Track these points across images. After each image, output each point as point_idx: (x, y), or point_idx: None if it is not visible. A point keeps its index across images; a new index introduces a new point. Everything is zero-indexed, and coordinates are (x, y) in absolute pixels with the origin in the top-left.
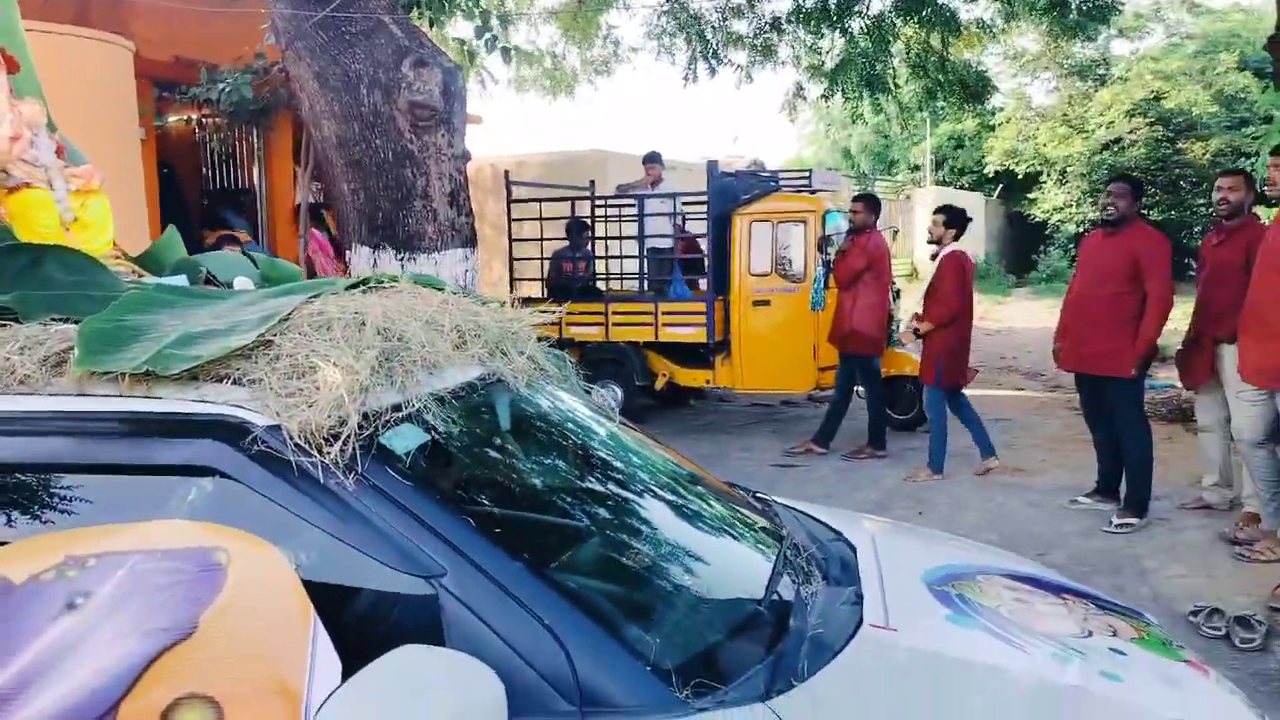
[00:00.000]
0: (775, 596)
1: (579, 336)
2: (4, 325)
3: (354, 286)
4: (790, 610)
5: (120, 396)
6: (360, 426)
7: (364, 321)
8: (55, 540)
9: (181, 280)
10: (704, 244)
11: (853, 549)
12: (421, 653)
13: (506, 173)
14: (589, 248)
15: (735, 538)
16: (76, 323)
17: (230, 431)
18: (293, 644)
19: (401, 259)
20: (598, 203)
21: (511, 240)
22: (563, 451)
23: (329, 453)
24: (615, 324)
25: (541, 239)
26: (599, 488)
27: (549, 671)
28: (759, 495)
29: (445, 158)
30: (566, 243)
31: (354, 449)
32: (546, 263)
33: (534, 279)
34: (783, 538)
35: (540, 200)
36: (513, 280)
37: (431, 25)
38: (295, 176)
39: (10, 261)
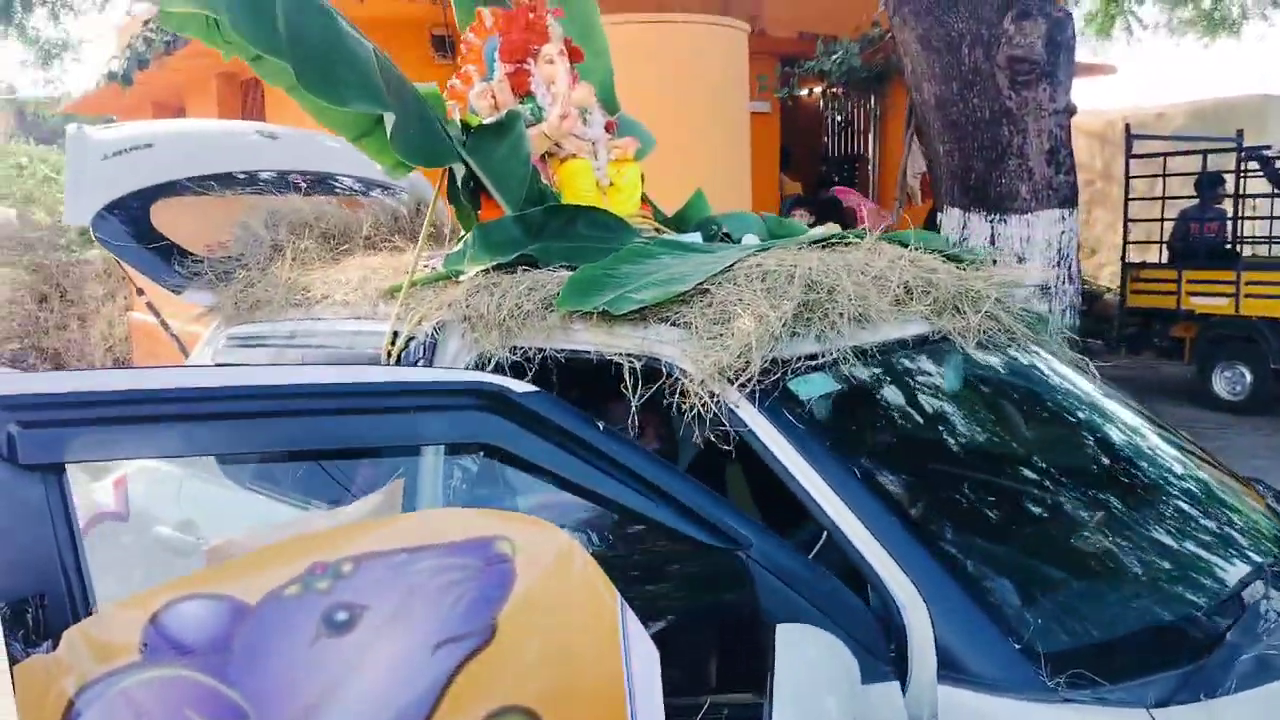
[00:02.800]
0: (1229, 605)
1: (1200, 308)
2: (525, 270)
3: (818, 243)
4: (1243, 623)
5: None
6: (768, 371)
7: (793, 275)
8: (292, 547)
9: (695, 237)
10: None
11: None
12: (804, 632)
13: (1127, 126)
14: (1222, 206)
15: (1210, 534)
16: None
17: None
18: (603, 637)
19: (991, 220)
20: (1244, 155)
21: (1128, 199)
22: (1006, 413)
23: (731, 390)
24: (1248, 295)
25: (1164, 197)
26: (1037, 456)
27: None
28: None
29: (1045, 113)
30: (1196, 201)
31: (753, 389)
32: (1167, 224)
33: (1153, 241)
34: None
35: (1165, 155)
36: (1126, 242)
37: None
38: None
39: (551, 220)
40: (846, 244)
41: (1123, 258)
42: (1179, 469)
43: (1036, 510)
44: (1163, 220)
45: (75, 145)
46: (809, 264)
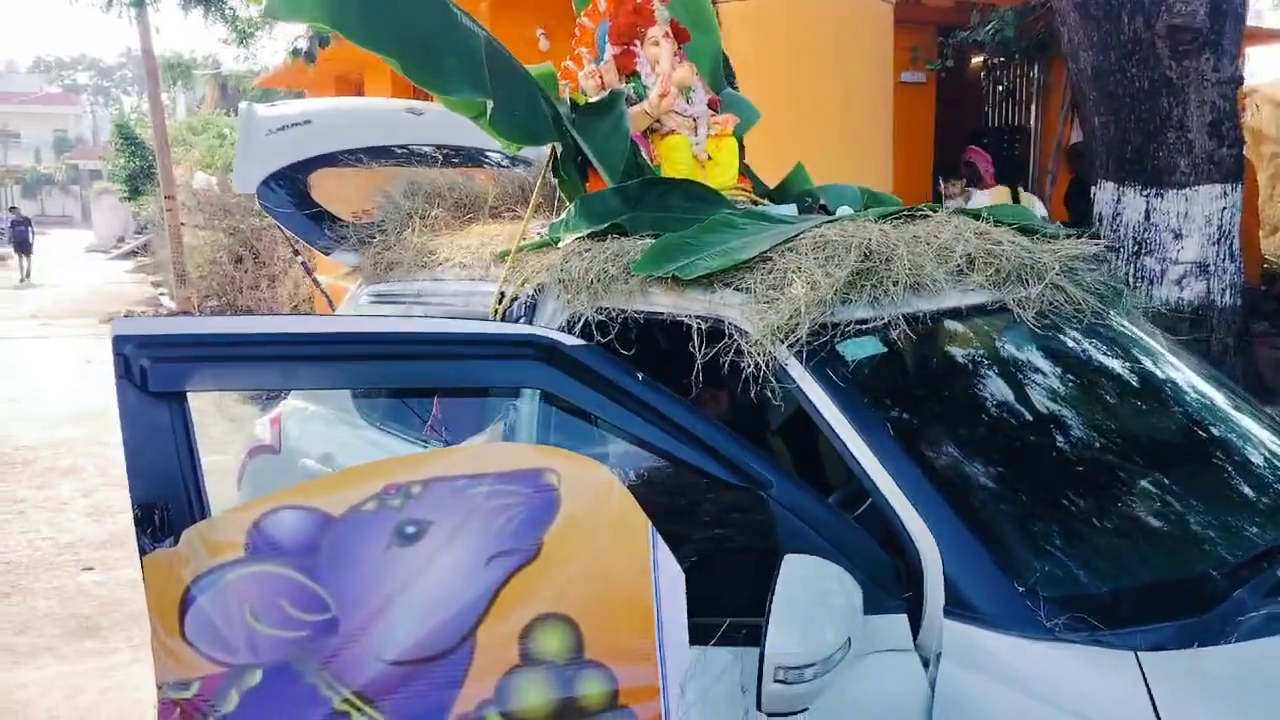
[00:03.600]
0: (1248, 566)
1: None
2: (615, 239)
3: (889, 216)
4: (1256, 583)
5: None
6: (819, 332)
7: (851, 245)
8: (370, 470)
9: (790, 209)
10: None
11: None
12: (811, 563)
13: None
14: None
15: (1246, 500)
16: None
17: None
18: (635, 558)
19: (1147, 194)
20: None
21: None
22: (1049, 379)
23: (781, 349)
24: None
25: None
26: (1074, 419)
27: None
28: None
29: (1209, 84)
30: None
31: (801, 348)
32: None
33: None
34: None
35: None
36: None
37: None
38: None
39: (647, 191)
40: (923, 217)
41: None
42: (1231, 435)
43: (1062, 467)
44: None
45: (245, 121)
46: (869, 234)
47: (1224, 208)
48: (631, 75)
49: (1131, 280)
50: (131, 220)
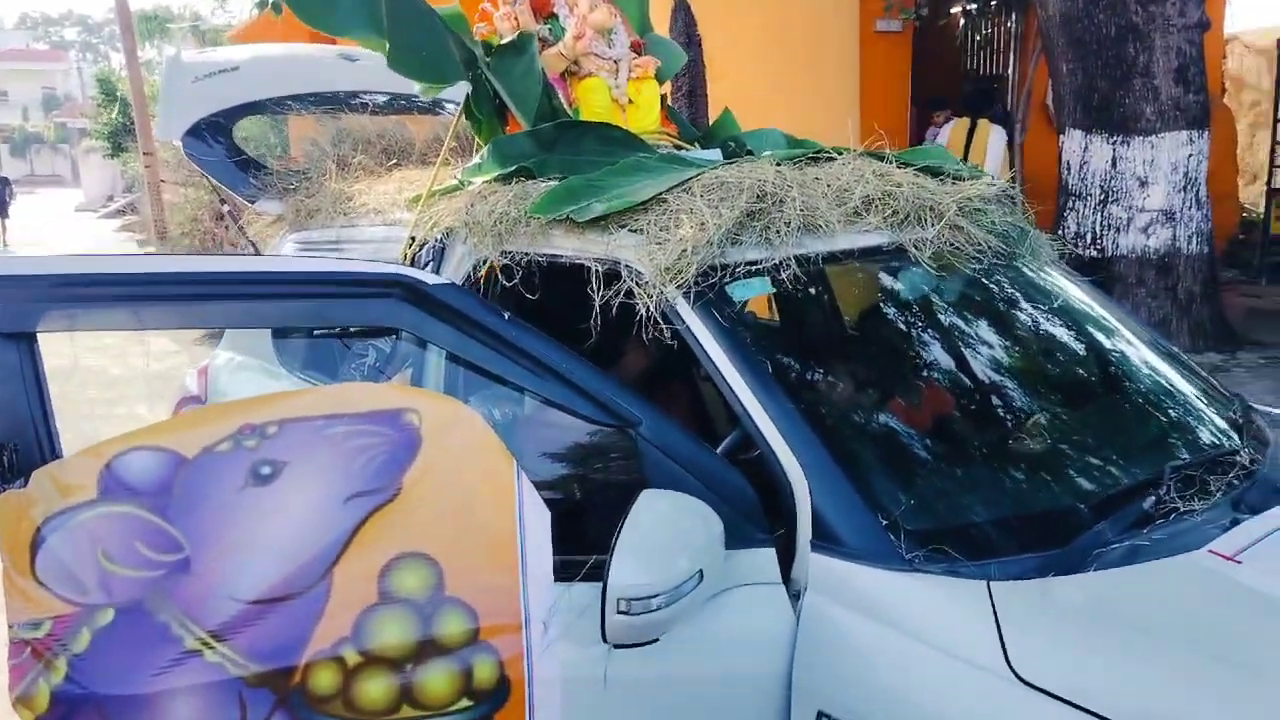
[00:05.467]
0: (1116, 496)
1: None
2: (521, 182)
3: (792, 158)
4: (1122, 512)
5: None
6: (708, 274)
7: (744, 186)
8: (225, 410)
9: (715, 154)
10: None
11: None
12: (667, 497)
13: (1279, 43)
14: None
15: (1130, 435)
16: None
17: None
18: (500, 497)
19: (1114, 142)
20: None
21: (1277, 122)
22: (940, 319)
23: (670, 289)
24: None
25: None
26: (964, 359)
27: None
28: (1244, 398)
29: (1174, 29)
30: None
31: (689, 288)
32: None
33: None
34: (1222, 447)
35: None
36: (1273, 167)
37: None
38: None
39: (562, 134)
40: (827, 159)
41: (1269, 183)
42: (1126, 374)
43: (937, 406)
44: None
45: (170, 68)
46: (764, 176)
47: (1190, 155)
48: (550, 17)
49: (1098, 228)
50: (119, 178)
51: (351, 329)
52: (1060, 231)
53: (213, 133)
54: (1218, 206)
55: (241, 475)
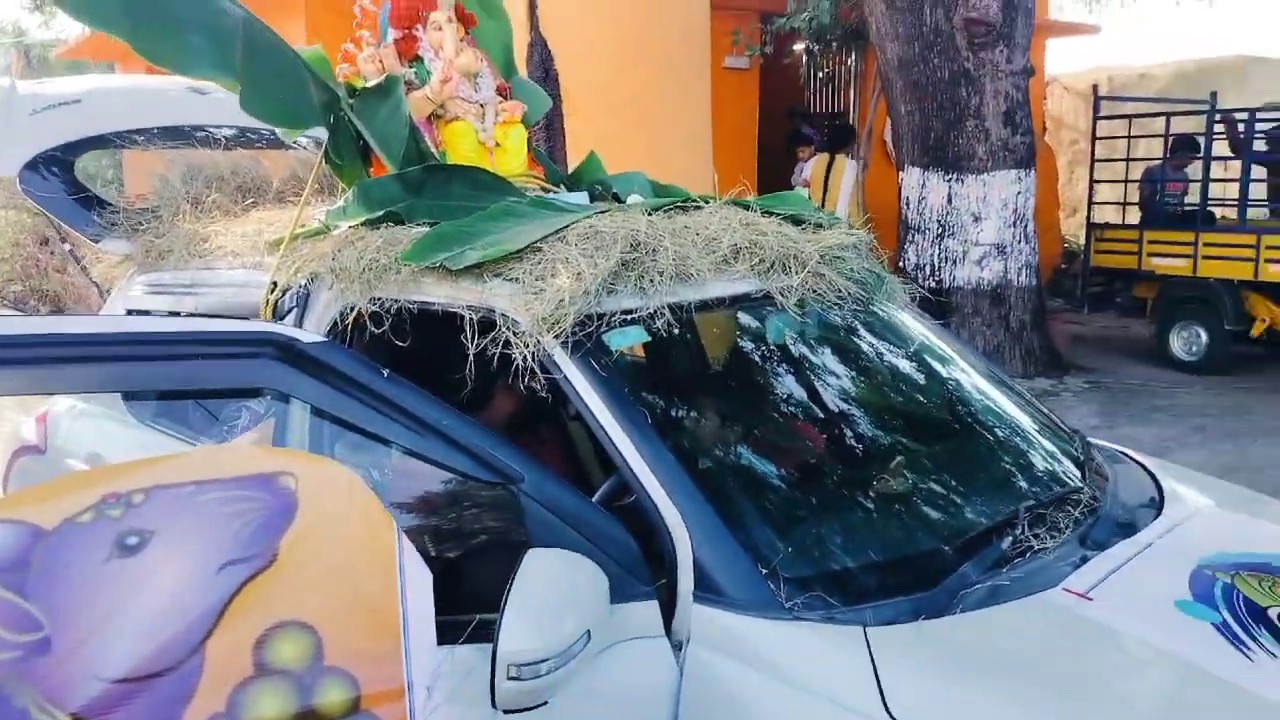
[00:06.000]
0: (978, 540)
1: (1160, 268)
2: (389, 227)
3: (659, 209)
4: (983, 553)
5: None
6: (584, 324)
7: (618, 236)
8: (87, 478)
9: (581, 197)
10: None
11: (1156, 515)
12: (553, 556)
13: (1095, 87)
14: (1187, 169)
15: (985, 476)
16: None
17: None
18: (380, 561)
19: (949, 179)
20: (1216, 118)
21: (1095, 160)
22: (807, 364)
23: (548, 339)
24: (1205, 256)
25: (1129, 159)
26: (827, 402)
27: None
28: (1083, 435)
29: (1002, 74)
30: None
31: (566, 338)
32: (1135, 185)
33: (1117, 203)
34: (1067, 485)
35: (1131, 117)
36: (1091, 203)
37: None
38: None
39: (429, 178)
40: (695, 208)
41: (1088, 218)
42: (977, 415)
43: (809, 451)
44: (1127, 181)
45: (5, 100)
46: (637, 225)
47: (1019, 192)
48: (415, 60)
49: (936, 261)
50: None
51: (230, 389)
52: (901, 264)
53: (52, 168)
54: (1041, 238)
55: (106, 547)
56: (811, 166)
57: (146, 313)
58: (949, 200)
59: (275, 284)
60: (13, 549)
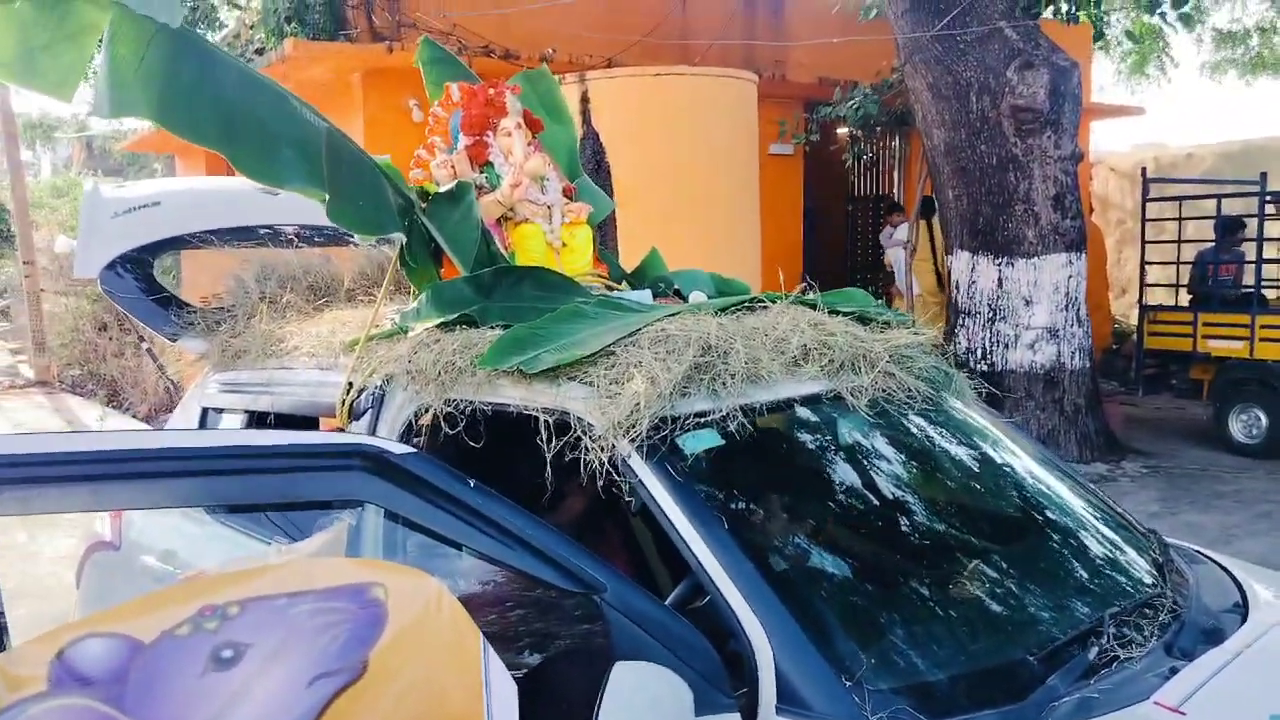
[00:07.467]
0: (1063, 651)
1: (1216, 351)
2: (464, 329)
3: (727, 309)
4: (1070, 663)
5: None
6: (658, 427)
7: (690, 339)
8: (184, 590)
9: (645, 295)
10: None
11: (1242, 621)
12: (639, 670)
13: (1143, 170)
14: (1242, 249)
15: (1066, 582)
16: None
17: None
18: (466, 673)
19: (999, 263)
20: (1267, 198)
21: (1145, 242)
22: (885, 465)
23: (624, 444)
24: (1263, 339)
25: (1179, 240)
26: (907, 506)
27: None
28: (1160, 534)
29: (1051, 160)
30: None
31: (642, 442)
32: (1186, 266)
33: (1169, 284)
34: (1154, 594)
35: (1180, 199)
36: (1143, 285)
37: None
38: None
39: (500, 280)
40: (762, 308)
41: (1140, 299)
42: (1055, 516)
43: (890, 556)
44: (1179, 263)
45: (89, 203)
46: (708, 329)
47: (1070, 275)
48: (485, 165)
49: (988, 345)
50: None
51: (323, 501)
52: (952, 347)
53: (131, 268)
54: (1092, 319)
55: (202, 660)
56: (905, 230)
57: (221, 411)
58: (999, 284)
59: (351, 384)
60: (112, 663)
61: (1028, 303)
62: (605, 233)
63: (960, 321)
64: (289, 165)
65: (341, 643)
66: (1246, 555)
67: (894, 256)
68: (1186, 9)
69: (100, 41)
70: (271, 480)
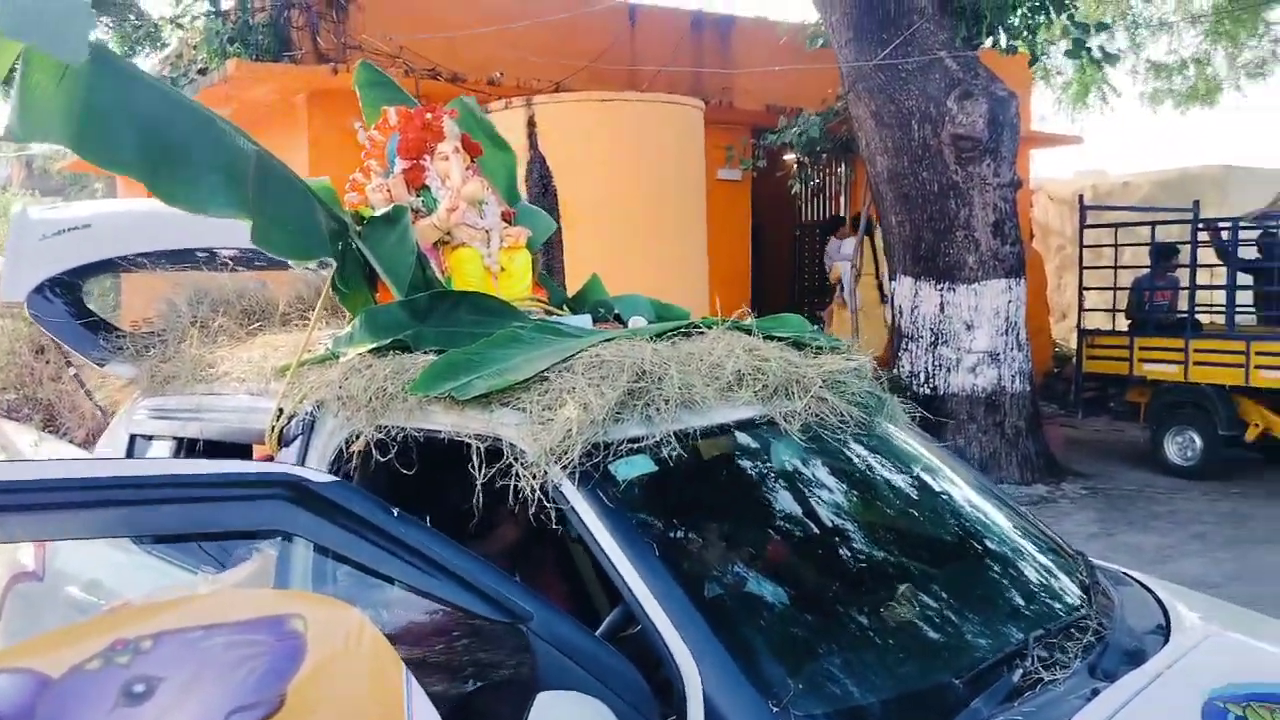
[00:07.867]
0: (987, 673)
1: (1151, 374)
2: (396, 354)
3: (663, 334)
4: (994, 686)
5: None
6: (591, 453)
7: (624, 365)
8: (100, 624)
9: (585, 320)
10: None
11: (1164, 642)
12: (563, 700)
13: (1080, 197)
14: (1176, 275)
15: (991, 604)
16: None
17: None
18: (388, 705)
19: (941, 288)
20: (1200, 226)
21: (1083, 267)
22: (814, 490)
23: (555, 470)
24: (1196, 363)
25: (1116, 266)
26: (835, 530)
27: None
28: (1087, 557)
29: (990, 187)
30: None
31: (573, 468)
32: (1124, 292)
33: (1107, 309)
34: (1079, 616)
35: (1117, 225)
36: (1081, 309)
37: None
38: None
39: (437, 304)
40: (698, 333)
41: (1079, 324)
42: (984, 540)
43: (822, 581)
44: (1115, 288)
45: (16, 225)
46: (642, 354)
47: (1010, 300)
48: (422, 188)
49: (930, 368)
50: None
51: (240, 532)
52: (895, 370)
53: (60, 292)
54: (1032, 343)
55: (112, 695)
56: (852, 247)
57: (150, 438)
58: (941, 309)
59: (281, 410)
60: (17, 699)
61: (969, 327)
62: (552, 256)
63: (903, 345)
64: (212, 189)
65: (259, 676)
66: (1181, 575)
67: (841, 269)
68: (1110, 50)
69: (16, 65)
70: (191, 510)
